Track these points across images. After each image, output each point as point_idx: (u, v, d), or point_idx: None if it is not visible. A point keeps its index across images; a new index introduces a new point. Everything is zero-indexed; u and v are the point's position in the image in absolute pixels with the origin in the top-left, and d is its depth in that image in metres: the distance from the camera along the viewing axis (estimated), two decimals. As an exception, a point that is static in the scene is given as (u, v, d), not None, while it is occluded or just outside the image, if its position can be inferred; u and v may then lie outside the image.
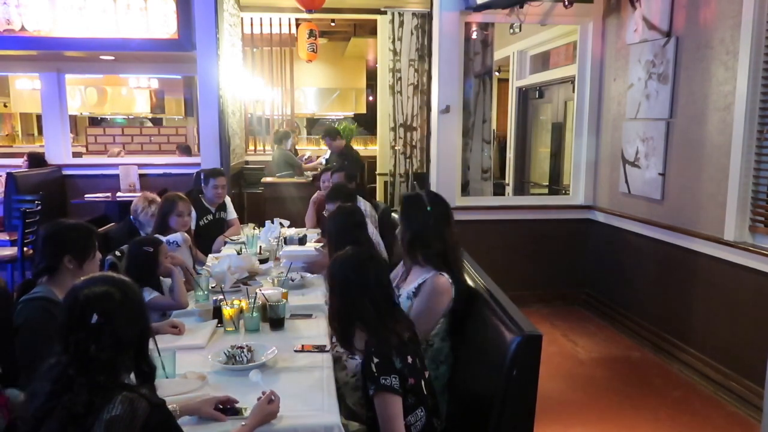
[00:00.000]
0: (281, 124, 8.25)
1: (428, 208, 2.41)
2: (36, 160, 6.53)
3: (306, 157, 7.79)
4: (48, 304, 2.02)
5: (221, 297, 2.60)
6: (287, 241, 3.89)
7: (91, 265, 2.18)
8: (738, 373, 3.44)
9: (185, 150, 7.99)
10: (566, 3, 4.58)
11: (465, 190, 5.49)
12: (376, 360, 1.79)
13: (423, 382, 1.90)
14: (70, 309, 1.42)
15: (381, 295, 1.95)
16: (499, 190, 6.80)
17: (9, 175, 5.62)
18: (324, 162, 7.44)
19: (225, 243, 4.13)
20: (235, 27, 6.27)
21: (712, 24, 3.63)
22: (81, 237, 2.18)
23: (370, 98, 10.61)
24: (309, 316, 2.65)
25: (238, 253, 3.41)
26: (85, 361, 1.35)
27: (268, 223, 4.07)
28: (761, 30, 3.27)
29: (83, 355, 1.35)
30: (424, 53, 6.12)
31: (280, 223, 4.09)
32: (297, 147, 8.72)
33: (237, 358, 2.08)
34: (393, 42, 6.34)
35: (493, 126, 6.03)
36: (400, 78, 6.38)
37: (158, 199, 3.56)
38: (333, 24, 7.96)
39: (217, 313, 2.55)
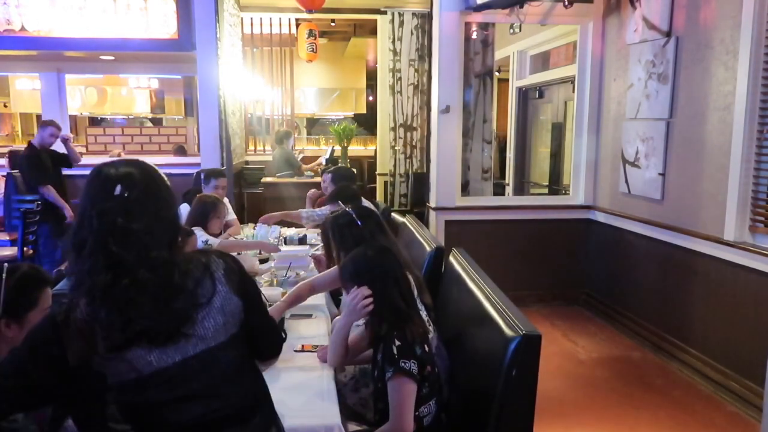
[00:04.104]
0: (281, 124, 8.25)
1: (359, 223, 2.37)
2: None
3: (301, 157, 7.78)
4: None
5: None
6: (287, 241, 3.90)
7: None
8: (738, 373, 3.44)
9: (179, 151, 7.99)
10: (566, 3, 4.58)
11: (465, 190, 5.49)
12: (398, 343, 1.81)
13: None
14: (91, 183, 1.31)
15: (405, 284, 1.99)
16: (499, 190, 6.80)
17: (9, 175, 5.61)
18: (324, 162, 7.44)
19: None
20: (235, 27, 6.26)
21: (712, 24, 3.63)
22: None
23: (370, 98, 10.59)
24: (309, 316, 2.65)
25: (238, 253, 3.41)
26: (114, 232, 1.24)
27: (268, 223, 4.07)
28: (761, 30, 3.27)
29: (111, 226, 1.24)
30: (424, 53, 6.11)
31: (280, 223, 4.09)
32: (296, 147, 8.73)
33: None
34: (393, 42, 6.33)
35: (493, 126, 6.03)
36: (400, 78, 6.38)
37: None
38: (333, 24, 7.95)
39: (217, 313, 2.54)
